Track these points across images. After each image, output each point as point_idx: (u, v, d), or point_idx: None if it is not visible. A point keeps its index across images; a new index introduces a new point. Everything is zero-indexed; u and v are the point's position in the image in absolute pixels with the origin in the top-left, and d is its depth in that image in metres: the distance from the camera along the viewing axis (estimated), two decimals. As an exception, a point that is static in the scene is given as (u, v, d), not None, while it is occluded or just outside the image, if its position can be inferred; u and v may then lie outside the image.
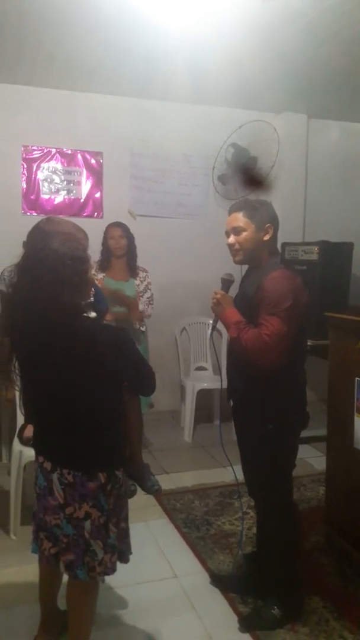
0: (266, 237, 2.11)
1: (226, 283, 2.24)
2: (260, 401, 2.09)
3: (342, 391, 2.59)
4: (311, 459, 3.92)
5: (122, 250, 3.79)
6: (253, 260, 2.15)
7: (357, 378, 2.47)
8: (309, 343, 4.11)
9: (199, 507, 3.22)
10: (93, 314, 2.48)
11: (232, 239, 2.14)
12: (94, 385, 1.70)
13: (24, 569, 2.45)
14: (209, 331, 2.34)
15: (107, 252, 3.83)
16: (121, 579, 2.36)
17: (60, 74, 3.95)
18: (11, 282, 1.72)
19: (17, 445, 2.87)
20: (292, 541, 2.23)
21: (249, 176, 4.53)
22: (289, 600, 2.22)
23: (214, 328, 2.30)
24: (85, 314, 1.82)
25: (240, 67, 3.74)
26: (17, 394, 2.17)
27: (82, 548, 1.79)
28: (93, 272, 3.77)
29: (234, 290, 2.28)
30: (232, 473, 2.40)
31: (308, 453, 3.97)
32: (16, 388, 1.98)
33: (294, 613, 2.21)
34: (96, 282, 3.67)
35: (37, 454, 1.89)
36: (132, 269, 3.85)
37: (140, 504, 3.12)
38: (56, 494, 1.79)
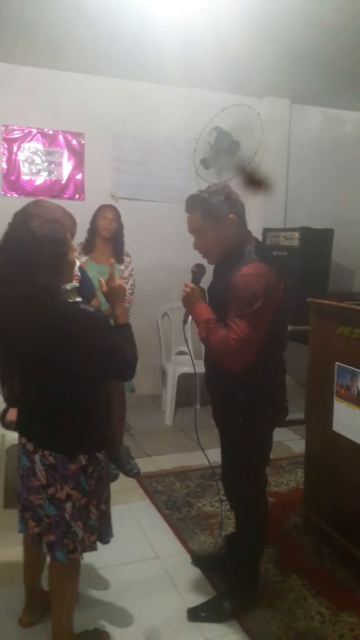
0: (232, 230, 1.94)
1: (196, 275, 2.10)
2: (231, 394, 2.03)
3: (321, 375, 2.63)
4: (290, 442, 3.99)
5: (110, 233, 3.72)
6: (227, 254, 1.99)
7: (337, 362, 2.52)
8: (288, 329, 4.20)
9: (180, 489, 3.25)
10: (78, 299, 2.47)
11: (195, 243, 2.01)
12: (71, 367, 1.70)
13: (8, 552, 2.45)
14: (183, 324, 2.20)
15: (93, 233, 3.75)
16: (104, 560, 2.40)
17: (42, 51, 3.86)
18: None
19: (-1, 428, 2.86)
20: (258, 540, 2.21)
21: (233, 162, 4.53)
22: (243, 595, 2.21)
23: (185, 322, 2.19)
24: (69, 299, 1.80)
25: (225, 50, 3.70)
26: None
27: (62, 529, 1.80)
28: (76, 254, 3.73)
29: (207, 280, 2.14)
30: (210, 456, 2.36)
31: (287, 436, 4.04)
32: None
33: (244, 608, 2.20)
34: (83, 266, 3.64)
35: (20, 435, 1.89)
36: (118, 254, 3.80)
37: (122, 486, 3.16)
38: (39, 475, 1.80)
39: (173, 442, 4.07)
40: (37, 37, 3.61)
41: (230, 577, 2.29)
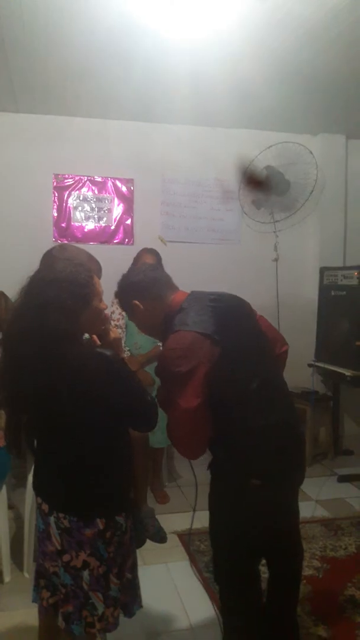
0: (142, 312, 1.87)
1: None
2: (214, 453, 1.83)
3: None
4: (353, 499, 3.62)
5: None
6: (158, 332, 1.93)
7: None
8: (347, 374, 3.89)
9: (224, 550, 2.99)
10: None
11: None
12: (84, 419, 1.56)
13: (34, 612, 2.30)
14: None
15: None
16: (132, 629, 2.19)
17: (91, 102, 3.96)
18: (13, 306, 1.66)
19: (30, 475, 2.76)
20: None
21: (285, 202, 4.39)
22: None
23: None
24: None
25: (273, 89, 3.65)
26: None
27: (80, 600, 1.63)
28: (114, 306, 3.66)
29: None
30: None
31: (349, 492, 3.67)
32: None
33: None
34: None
35: (36, 494, 1.76)
36: None
37: (162, 544, 2.95)
38: (53, 539, 1.65)
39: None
40: (85, 88, 3.71)
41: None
